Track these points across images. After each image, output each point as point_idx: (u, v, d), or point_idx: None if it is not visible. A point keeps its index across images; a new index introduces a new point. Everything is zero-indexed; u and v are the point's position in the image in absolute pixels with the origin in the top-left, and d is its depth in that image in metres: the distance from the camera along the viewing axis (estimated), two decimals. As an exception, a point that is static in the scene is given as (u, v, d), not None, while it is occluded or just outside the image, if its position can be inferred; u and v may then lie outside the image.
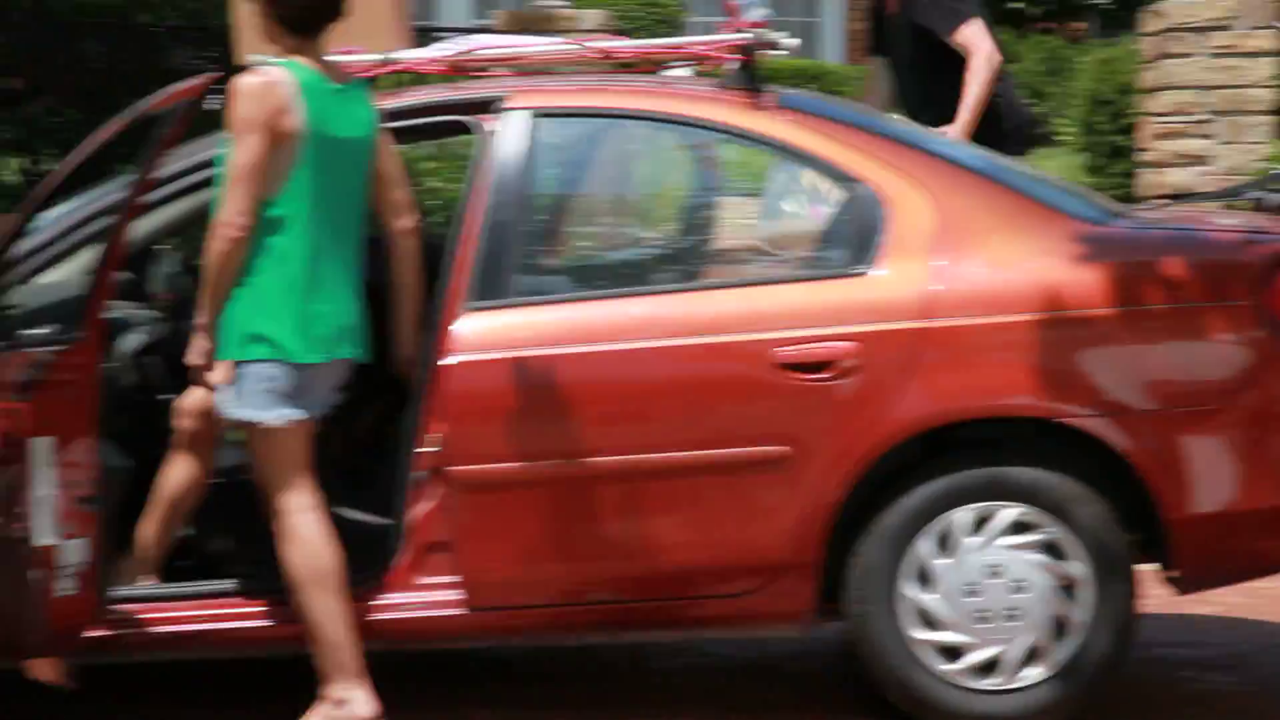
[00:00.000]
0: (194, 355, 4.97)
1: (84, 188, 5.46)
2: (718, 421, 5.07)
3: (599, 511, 5.10)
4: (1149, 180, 9.45)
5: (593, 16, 10.30)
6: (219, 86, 5.09)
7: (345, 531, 5.10)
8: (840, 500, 5.06)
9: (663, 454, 5.07)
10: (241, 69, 5.12)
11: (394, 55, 5.64)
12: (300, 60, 5.05)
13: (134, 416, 5.47)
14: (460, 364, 5.12)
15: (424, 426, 5.12)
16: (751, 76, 5.43)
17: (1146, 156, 9.41)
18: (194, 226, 5.37)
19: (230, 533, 5.50)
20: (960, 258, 5.11)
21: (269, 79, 4.96)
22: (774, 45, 5.51)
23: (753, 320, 5.10)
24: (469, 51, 5.68)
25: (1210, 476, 5.07)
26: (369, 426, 5.74)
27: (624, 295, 5.24)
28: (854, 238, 5.20)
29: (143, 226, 5.34)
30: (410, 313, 5.23)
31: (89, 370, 4.86)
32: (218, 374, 4.96)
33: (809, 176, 5.55)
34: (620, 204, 6.05)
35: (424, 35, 11.51)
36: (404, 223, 5.21)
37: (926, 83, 7.17)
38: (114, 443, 5.15)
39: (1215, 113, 8.96)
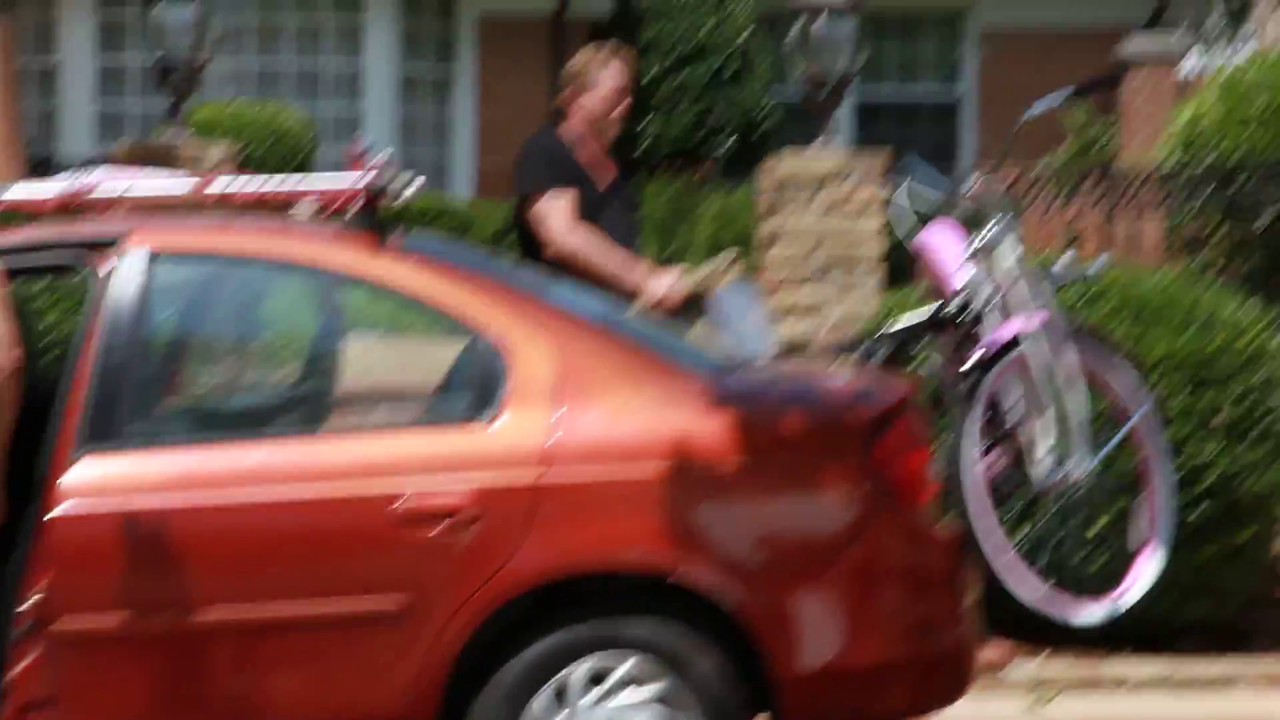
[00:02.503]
0: None
1: None
2: (333, 573, 5.02)
3: (212, 668, 4.98)
4: (766, 327, 9.67)
5: (217, 151, 10.18)
6: None
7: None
8: (456, 655, 5.01)
9: (276, 607, 4.99)
10: None
11: (4, 190, 5.50)
12: None
13: None
14: (67, 512, 4.99)
15: (28, 577, 4.95)
16: (374, 219, 5.43)
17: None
18: None
19: None
20: (580, 409, 5.15)
21: None
22: (398, 188, 5.50)
23: (371, 469, 5.07)
24: (85, 188, 5.57)
25: (817, 632, 5.15)
26: None
27: (242, 441, 5.18)
28: (475, 387, 5.21)
29: None
30: None
31: None
32: None
33: None
34: (240, 347, 5.96)
35: (43, 166, 11.24)
36: (3, 359, 5.04)
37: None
38: None
39: (827, 265, 9.25)
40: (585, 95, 7.02)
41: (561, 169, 6.88)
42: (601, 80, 6.99)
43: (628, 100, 7.03)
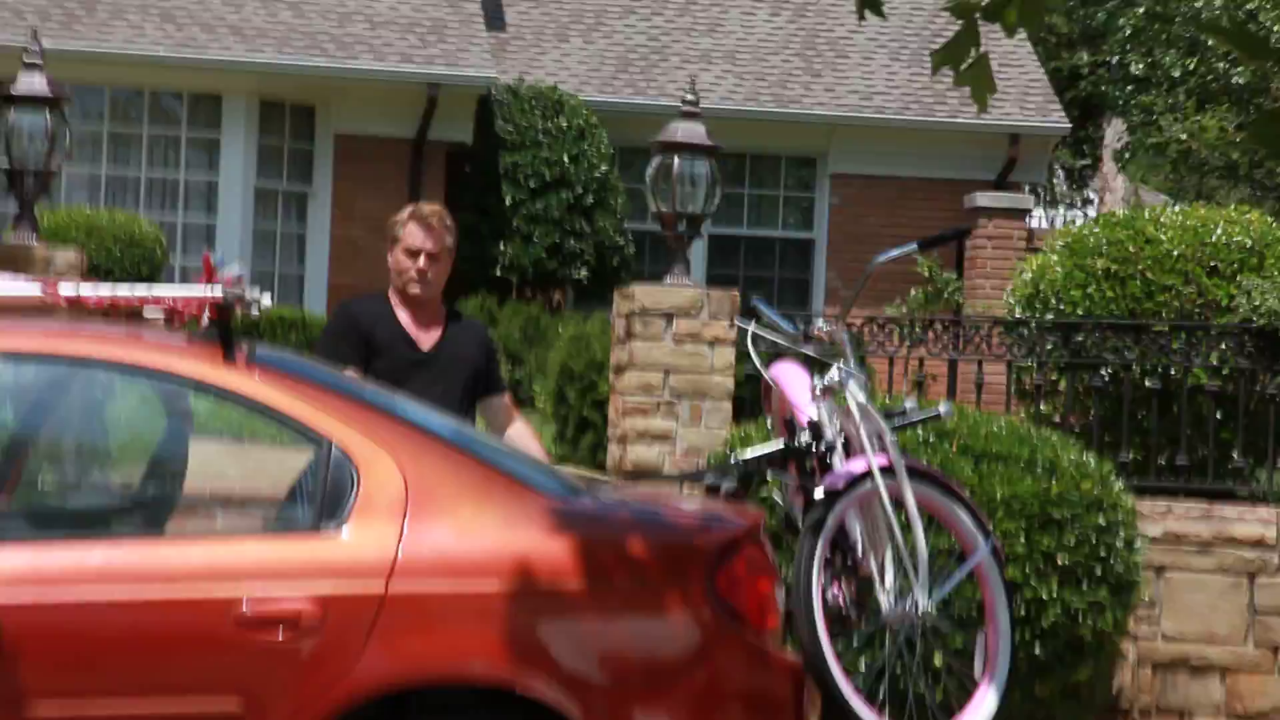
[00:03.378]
0: None
1: None
2: (170, 677, 4.95)
3: None
4: (615, 455, 9.70)
5: (66, 256, 10.06)
6: None
7: None
8: (293, 766, 4.96)
9: (112, 705, 4.91)
10: None
11: None
12: None
13: None
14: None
15: None
16: (224, 331, 5.40)
17: (613, 432, 9.66)
18: None
19: None
20: (426, 523, 5.14)
21: None
22: (248, 302, 5.48)
23: (213, 574, 5.03)
24: (-68, 288, 5.51)
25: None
26: None
27: (82, 540, 5.13)
28: (322, 496, 5.19)
29: None
30: None
31: None
32: None
33: None
34: (83, 450, 5.88)
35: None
36: None
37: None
38: None
39: (678, 395, 9.29)
40: (389, 255, 7.08)
41: (345, 342, 6.88)
42: (398, 240, 7.02)
43: (419, 263, 6.97)
